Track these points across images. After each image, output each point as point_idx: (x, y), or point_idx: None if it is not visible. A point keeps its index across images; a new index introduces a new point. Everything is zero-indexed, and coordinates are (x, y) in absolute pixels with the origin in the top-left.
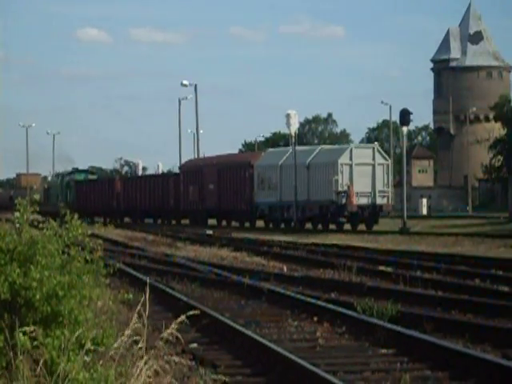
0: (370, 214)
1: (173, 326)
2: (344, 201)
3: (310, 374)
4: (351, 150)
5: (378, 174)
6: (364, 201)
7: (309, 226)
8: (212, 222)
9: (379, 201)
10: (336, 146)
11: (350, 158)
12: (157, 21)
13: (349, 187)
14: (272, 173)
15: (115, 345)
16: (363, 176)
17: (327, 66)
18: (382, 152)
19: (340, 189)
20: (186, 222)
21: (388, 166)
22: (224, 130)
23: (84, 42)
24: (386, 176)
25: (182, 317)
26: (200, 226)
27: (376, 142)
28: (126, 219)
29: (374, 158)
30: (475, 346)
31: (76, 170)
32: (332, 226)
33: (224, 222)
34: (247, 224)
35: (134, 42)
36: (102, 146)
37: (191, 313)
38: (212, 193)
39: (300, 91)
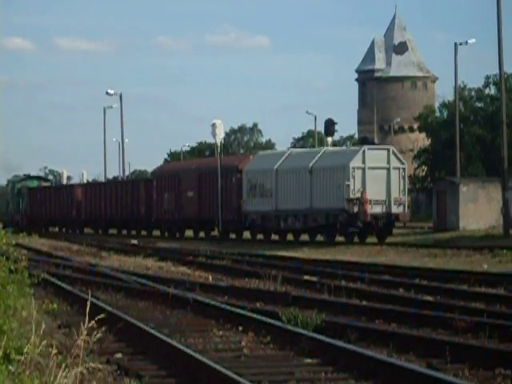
0: (385, 225)
1: (85, 332)
2: (356, 209)
3: (235, 383)
4: (364, 152)
5: (393, 180)
6: (378, 209)
7: (305, 237)
8: (189, 233)
9: (394, 209)
10: (343, 148)
11: (363, 161)
12: (82, 30)
13: (362, 194)
14: (266, 178)
15: (40, 354)
16: (377, 181)
17: (253, 76)
18: (398, 154)
19: (352, 195)
20: (157, 233)
21: (404, 170)
22: (149, 140)
23: (8, 50)
24: (401, 181)
25: (92, 322)
26: (175, 239)
27: None
28: (88, 230)
29: (388, 161)
30: (400, 355)
31: (28, 177)
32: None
33: (202, 234)
34: (233, 235)
35: (58, 51)
36: (26, 155)
37: (99, 316)
38: (191, 201)
39: (226, 101)
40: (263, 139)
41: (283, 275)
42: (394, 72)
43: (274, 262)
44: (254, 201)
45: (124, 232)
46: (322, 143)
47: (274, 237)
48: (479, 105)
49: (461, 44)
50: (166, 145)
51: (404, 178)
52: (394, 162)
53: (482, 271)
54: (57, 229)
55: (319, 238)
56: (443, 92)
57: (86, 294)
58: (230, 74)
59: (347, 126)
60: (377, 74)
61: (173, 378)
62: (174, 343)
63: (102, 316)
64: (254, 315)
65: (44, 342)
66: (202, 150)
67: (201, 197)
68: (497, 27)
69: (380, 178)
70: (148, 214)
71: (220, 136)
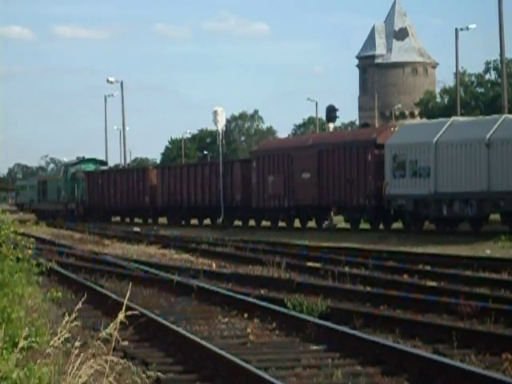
0: None
1: (111, 325)
2: None
3: (242, 370)
4: None
5: None
6: None
7: (465, 226)
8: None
9: None
10: None
11: None
12: (81, 18)
13: None
14: (421, 154)
15: (49, 343)
16: None
17: (253, 63)
18: None
19: None
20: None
21: None
22: (151, 127)
23: (8, 39)
24: None
25: (121, 316)
26: (287, 231)
27: None
28: (162, 220)
29: None
30: (406, 341)
31: (83, 160)
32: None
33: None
34: (364, 225)
35: (58, 39)
36: (27, 144)
37: (129, 313)
38: (307, 184)
39: (226, 88)
40: (264, 126)
41: (286, 262)
42: (394, 58)
43: (276, 248)
44: (403, 182)
45: (206, 221)
46: (323, 130)
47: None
48: (480, 90)
49: (461, 29)
50: (167, 132)
51: None
52: None
53: (486, 256)
54: (118, 218)
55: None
56: (444, 77)
57: (90, 281)
58: (230, 61)
59: (348, 112)
60: (377, 60)
61: (179, 366)
62: (180, 330)
63: (131, 313)
64: (259, 302)
65: (51, 330)
66: (203, 137)
67: (322, 179)
68: (498, 12)
69: None
70: (245, 202)
71: (221, 123)
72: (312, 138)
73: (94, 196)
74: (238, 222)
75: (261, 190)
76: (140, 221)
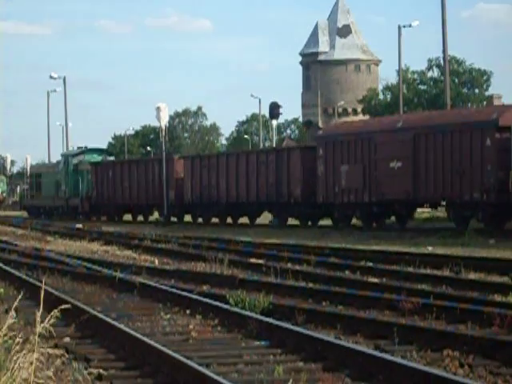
0: None
1: (47, 319)
2: None
3: (183, 366)
4: None
5: None
6: None
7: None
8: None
9: None
10: None
11: None
12: (24, 13)
13: None
14: None
15: None
16: None
17: (196, 60)
18: None
19: None
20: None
21: None
22: (94, 123)
23: None
24: None
25: (55, 311)
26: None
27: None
28: (188, 218)
29: None
30: (347, 337)
31: (86, 149)
32: None
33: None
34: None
35: (0, 35)
36: None
37: (64, 307)
38: (398, 175)
39: (169, 84)
40: (208, 122)
41: (229, 258)
42: (337, 55)
43: (219, 245)
44: None
45: (243, 220)
46: (266, 126)
47: None
48: (422, 87)
49: (404, 27)
50: (110, 128)
51: None
52: None
53: (427, 253)
54: (130, 217)
55: None
56: (387, 75)
57: (32, 278)
58: (172, 58)
59: (292, 109)
60: (320, 57)
61: (121, 362)
62: (122, 327)
63: (66, 306)
64: (202, 298)
65: None
66: (146, 134)
67: (417, 168)
68: (441, 9)
69: None
70: (307, 196)
71: (165, 119)
72: (403, 119)
73: (102, 190)
74: (294, 222)
75: (330, 182)
76: (161, 219)
